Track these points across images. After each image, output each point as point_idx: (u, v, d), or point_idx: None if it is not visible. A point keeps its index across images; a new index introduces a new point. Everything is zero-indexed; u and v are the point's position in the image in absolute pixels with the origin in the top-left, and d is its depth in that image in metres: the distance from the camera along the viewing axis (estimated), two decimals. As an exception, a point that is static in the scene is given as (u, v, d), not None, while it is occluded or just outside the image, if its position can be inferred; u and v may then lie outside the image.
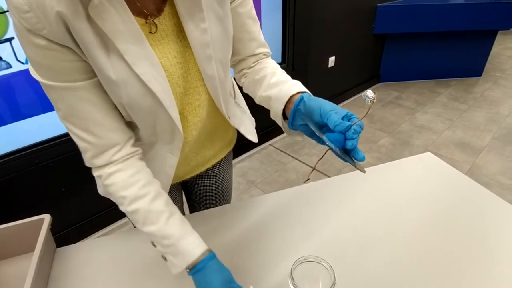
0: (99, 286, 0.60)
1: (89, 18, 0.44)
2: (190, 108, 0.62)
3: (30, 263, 0.56)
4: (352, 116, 0.49)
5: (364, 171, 0.47)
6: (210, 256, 0.54)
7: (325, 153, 0.52)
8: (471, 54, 3.11)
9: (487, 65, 3.26)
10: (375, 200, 0.75)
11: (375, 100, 0.45)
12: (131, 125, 0.60)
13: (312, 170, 0.53)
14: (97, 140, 0.53)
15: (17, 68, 1.25)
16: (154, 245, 0.56)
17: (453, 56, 3.12)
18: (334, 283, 0.44)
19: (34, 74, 0.48)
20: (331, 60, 2.63)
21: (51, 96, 0.49)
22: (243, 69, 0.69)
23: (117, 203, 0.56)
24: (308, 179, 0.51)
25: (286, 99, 0.56)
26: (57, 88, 0.48)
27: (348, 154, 0.49)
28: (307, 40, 2.32)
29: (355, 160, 0.47)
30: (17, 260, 0.67)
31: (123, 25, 0.46)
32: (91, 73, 0.49)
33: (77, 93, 0.49)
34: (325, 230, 0.68)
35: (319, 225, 0.69)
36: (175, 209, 0.58)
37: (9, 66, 1.23)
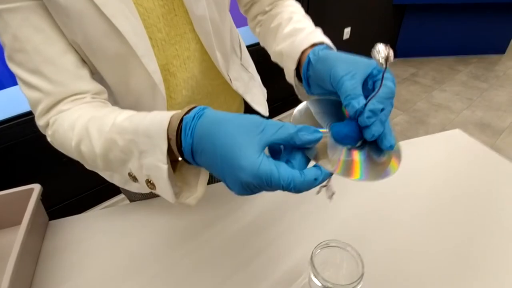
0: (94, 260, 0.55)
1: None
2: (177, 61, 0.50)
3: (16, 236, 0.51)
4: (377, 77, 0.34)
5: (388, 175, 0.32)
6: (199, 108, 0.33)
7: (329, 179, 0.33)
8: (495, 30, 2.91)
9: (511, 42, 3.07)
10: (401, 179, 0.67)
11: (391, 59, 0.31)
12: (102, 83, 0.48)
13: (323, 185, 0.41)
14: (50, 87, 0.41)
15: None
16: (133, 176, 0.38)
17: (475, 31, 2.92)
18: (362, 274, 0.37)
19: None
20: (347, 32, 2.48)
21: None
22: (257, 16, 0.57)
23: (71, 155, 0.43)
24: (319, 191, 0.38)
25: (297, 55, 0.44)
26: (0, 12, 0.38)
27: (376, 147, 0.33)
28: (321, 10, 2.17)
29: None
30: (4, 233, 0.62)
31: None
32: None
33: (22, 16, 0.38)
34: (346, 213, 0.60)
35: (340, 207, 0.62)
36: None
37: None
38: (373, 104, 0.32)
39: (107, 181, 0.62)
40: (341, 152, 0.33)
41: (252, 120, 0.30)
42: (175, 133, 0.32)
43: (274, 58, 0.53)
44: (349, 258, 0.40)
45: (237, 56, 0.64)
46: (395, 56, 3.12)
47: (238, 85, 0.61)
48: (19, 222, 0.62)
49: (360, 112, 0.32)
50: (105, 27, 0.40)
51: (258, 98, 0.69)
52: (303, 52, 0.44)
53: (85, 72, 0.45)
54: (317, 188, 0.34)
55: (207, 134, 0.30)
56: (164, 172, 0.34)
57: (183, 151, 0.33)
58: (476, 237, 0.55)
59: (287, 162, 0.30)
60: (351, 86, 0.34)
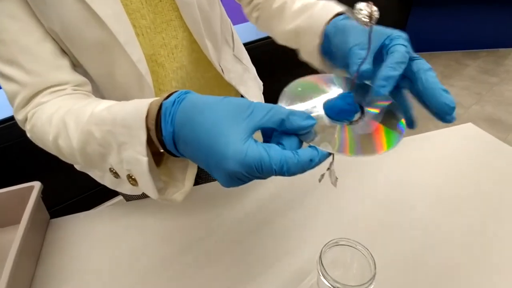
0: (95, 258, 0.54)
1: None
2: (165, 51, 0.47)
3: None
4: (389, 46, 0.32)
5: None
6: (181, 92, 0.30)
7: (333, 162, 0.31)
8: (504, 23, 2.84)
9: (522, 35, 3.00)
10: (413, 174, 0.65)
11: (375, 15, 0.28)
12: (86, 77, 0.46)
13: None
14: (27, 77, 0.39)
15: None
16: (115, 172, 0.35)
17: (484, 24, 2.85)
18: (374, 274, 0.35)
19: None
20: (352, 27, 2.44)
21: None
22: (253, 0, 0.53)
23: (49, 150, 0.41)
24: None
25: (320, 29, 0.40)
26: None
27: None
28: (327, 3, 2.14)
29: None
30: (5, 231, 0.61)
31: None
32: None
33: None
34: (356, 210, 0.58)
35: (349, 204, 0.59)
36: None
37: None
38: (386, 71, 0.30)
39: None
40: (343, 130, 0.30)
41: (238, 103, 0.27)
42: (154, 122, 0.29)
43: (283, 39, 0.50)
44: (360, 258, 0.38)
45: (229, 46, 0.61)
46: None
47: (231, 77, 0.58)
48: (19, 221, 0.61)
49: (357, 72, 0.31)
50: (83, 13, 0.38)
51: (254, 90, 0.66)
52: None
53: (64, 62, 0.42)
54: (318, 174, 0.32)
55: (189, 121, 0.27)
56: (144, 165, 0.31)
57: (164, 141, 0.30)
58: (493, 233, 0.52)
59: (278, 144, 0.28)
60: (359, 55, 0.32)
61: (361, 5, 0.28)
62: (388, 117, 0.33)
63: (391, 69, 0.30)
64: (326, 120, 0.31)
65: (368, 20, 0.28)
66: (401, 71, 0.30)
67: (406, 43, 0.32)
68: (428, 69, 0.31)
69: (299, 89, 0.33)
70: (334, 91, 0.34)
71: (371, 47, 0.32)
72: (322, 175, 0.33)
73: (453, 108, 0.30)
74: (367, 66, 0.31)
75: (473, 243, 0.51)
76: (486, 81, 2.55)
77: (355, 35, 0.34)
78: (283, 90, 0.33)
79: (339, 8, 0.41)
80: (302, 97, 0.33)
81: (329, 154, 0.28)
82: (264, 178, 0.27)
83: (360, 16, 0.28)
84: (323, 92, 0.34)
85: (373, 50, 0.33)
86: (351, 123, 0.31)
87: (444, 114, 0.31)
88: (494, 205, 0.57)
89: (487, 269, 0.47)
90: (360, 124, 0.31)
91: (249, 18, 0.58)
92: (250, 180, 0.27)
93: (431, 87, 0.30)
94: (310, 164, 0.26)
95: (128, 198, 0.69)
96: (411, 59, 0.32)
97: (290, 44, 0.49)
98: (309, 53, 0.44)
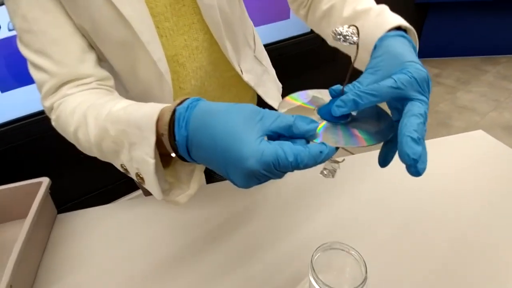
0: (101, 254, 0.55)
1: None
2: (186, 52, 0.50)
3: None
4: (394, 74, 0.30)
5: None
6: (193, 99, 0.31)
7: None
8: (527, 28, 2.75)
9: (545, 41, 2.89)
10: (415, 180, 0.63)
11: (358, 38, 0.29)
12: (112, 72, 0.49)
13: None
14: (55, 68, 0.42)
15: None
16: (125, 169, 0.37)
17: (504, 29, 2.77)
18: (365, 278, 0.34)
19: None
20: (366, 31, 2.42)
21: (9, 8, 0.41)
22: None
23: (73, 142, 0.43)
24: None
25: (371, 47, 0.37)
26: None
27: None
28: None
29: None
30: (14, 224, 0.63)
31: None
32: None
33: None
34: (353, 214, 0.58)
35: (346, 209, 0.59)
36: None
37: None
38: (349, 95, 0.31)
39: (121, 179, 0.62)
40: (348, 126, 0.33)
41: (249, 109, 0.29)
42: (167, 127, 0.31)
43: (333, 44, 0.47)
44: (352, 262, 0.37)
45: (250, 48, 0.62)
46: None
47: (249, 77, 0.59)
48: (26, 216, 0.63)
49: (335, 91, 0.32)
50: (111, 13, 0.41)
51: (273, 92, 0.67)
52: None
53: (90, 57, 0.45)
54: (319, 177, 0.36)
55: (203, 126, 0.29)
56: (151, 166, 0.33)
57: (177, 145, 0.31)
58: (497, 239, 0.51)
59: None
60: (361, 78, 0.33)
61: (344, 29, 0.30)
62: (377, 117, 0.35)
63: (355, 94, 0.30)
64: (325, 122, 0.33)
65: (357, 38, 0.30)
66: (365, 102, 0.30)
67: (401, 81, 0.29)
68: (416, 114, 0.29)
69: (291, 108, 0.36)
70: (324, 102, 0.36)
71: (381, 73, 0.33)
72: (334, 170, 0.36)
73: (413, 161, 0.28)
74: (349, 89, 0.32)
75: (473, 249, 0.50)
76: (506, 87, 2.47)
77: (375, 58, 0.34)
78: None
79: (392, 20, 0.39)
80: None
81: (337, 148, 0.30)
82: (280, 176, 0.29)
83: (353, 38, 0.30)
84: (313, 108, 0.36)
85: (383, 75, 0.32)
86: (347, 122, 0.33)
87: (406, 165, 0.29)
88: (501, 213, 0.55)
89: (487, 278, 0.46)
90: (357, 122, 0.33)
91: (296, 14, 0.58)
92: (266, 179, 0.28)
93: (402, 133, 0.28)
94: (321, 156, 0.28)
95: (147, 192, 0.70)
96: (410, 98, 0.30)
97: (341, 49, 0.47)
98: (361, 65, 0.42)
